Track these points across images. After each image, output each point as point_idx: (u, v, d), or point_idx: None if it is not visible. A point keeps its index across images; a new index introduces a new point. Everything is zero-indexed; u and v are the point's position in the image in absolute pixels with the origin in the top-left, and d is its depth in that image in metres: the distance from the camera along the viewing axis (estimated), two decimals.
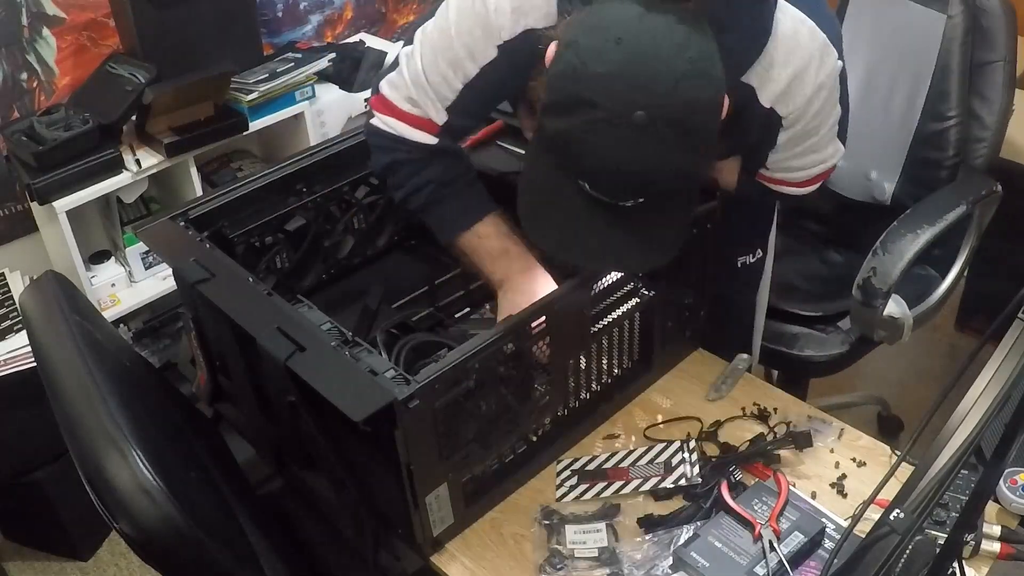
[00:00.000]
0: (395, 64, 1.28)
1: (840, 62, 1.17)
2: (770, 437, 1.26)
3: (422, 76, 1.23)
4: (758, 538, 1.10)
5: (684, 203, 1.10)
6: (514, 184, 1.24)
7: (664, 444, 1.25)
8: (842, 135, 1.27)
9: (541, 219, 1.10)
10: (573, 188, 1.03)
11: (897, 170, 1.89)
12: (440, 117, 1.25)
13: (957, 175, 1.84)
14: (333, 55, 2.42)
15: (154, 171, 2.13)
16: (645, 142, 0.94)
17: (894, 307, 1.61)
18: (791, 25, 1.12)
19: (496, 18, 1.15)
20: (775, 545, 1.08)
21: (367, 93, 2.42)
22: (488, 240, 1.30)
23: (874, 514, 0.83)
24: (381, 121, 1.29)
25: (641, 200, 1.02)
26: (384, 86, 1.29)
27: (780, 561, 1.07)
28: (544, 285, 1.26)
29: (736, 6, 1.08)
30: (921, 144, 1.85)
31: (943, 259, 1.83)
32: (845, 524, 1.13)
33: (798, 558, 1.09)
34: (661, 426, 1.31)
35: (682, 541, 1.12)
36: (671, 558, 1.11)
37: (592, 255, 1.09)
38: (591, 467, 1.25)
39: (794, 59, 1.13)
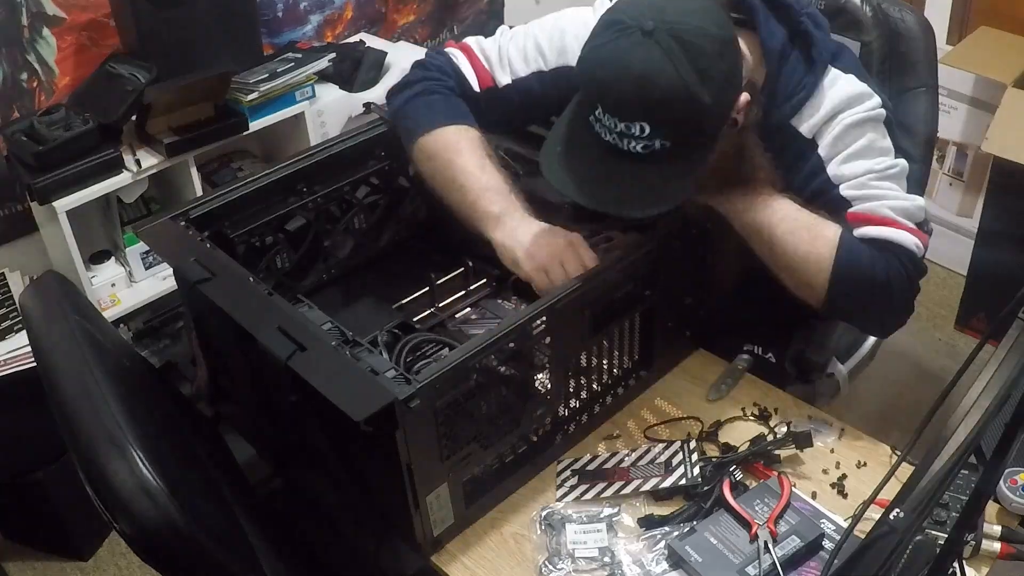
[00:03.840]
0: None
1: (883, 111, 1.27)
2: (770, 437, 1.25)
3: (510, 42, 1.40)
4: (754, 538, 1.10)
5: (688, 158, 1.14)
6: None
7: (664, 444, 1.25)
8: (913, 187, 1.30)
9: (559, 166, 1.19)
10: (591, 136, 1.14)
11: None
12: (503, 79, 1.39)
13: None
14: (333, 55, 2.42)
15: (154, 171, 2.14)
16: (651, 47, 1.07)
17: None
18: (832, 76, 1.27)
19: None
20: (770, 547, 1.08)
21: (367, 93, 2.44)
22: (485, 160, 1.33)
23: (874, 514, 0.83)
24: (446, 52, 1.42)
25: (649, 134, 1.10)
26: (470, 38, 1.44)
27: (773, 563, 1.07)
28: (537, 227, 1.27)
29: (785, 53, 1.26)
30: None
31: None
32: (845, 524, 1.13)
33: (793, 562, 1.09)
34: (661, 426, 1.31)
35: (676, 534, 1.12)
36: (667, 552, 1.11)
37: (601, 201, 1.18)
38: (591, 467, 1.25)
39: (832, 95, 1.26)
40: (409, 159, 1.43)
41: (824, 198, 1.26)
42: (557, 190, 1.20)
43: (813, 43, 1.26)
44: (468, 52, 1.42)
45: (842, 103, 1.25)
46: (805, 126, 1.26)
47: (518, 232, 1.27)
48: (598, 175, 1.16)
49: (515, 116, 1.43)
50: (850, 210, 1.24)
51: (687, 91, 1.07)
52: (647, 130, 1.09)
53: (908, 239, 1.23)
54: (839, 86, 1.27)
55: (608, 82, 1.10)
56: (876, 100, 1.27)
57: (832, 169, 1.25)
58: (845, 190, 1.25)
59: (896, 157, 1.28)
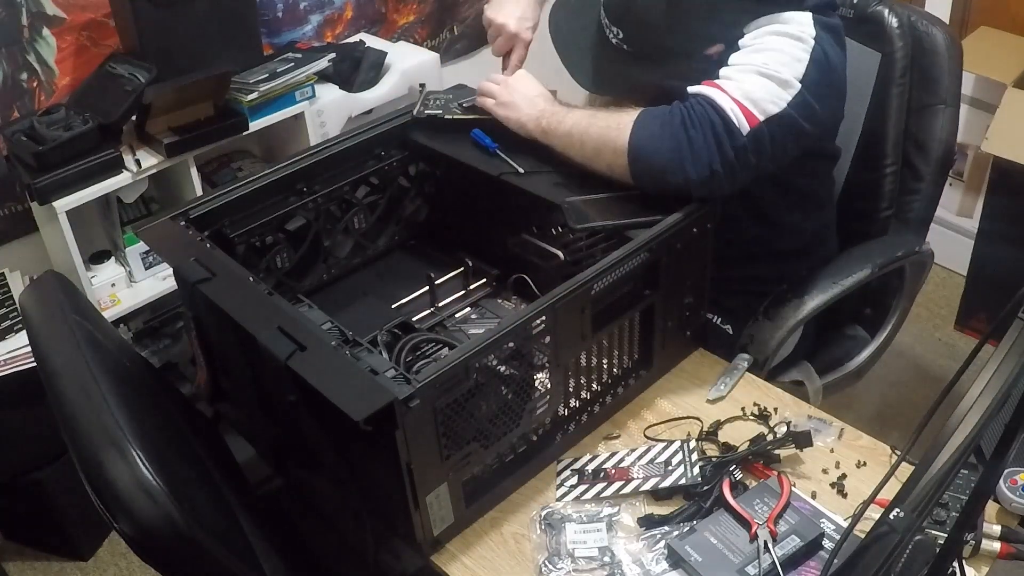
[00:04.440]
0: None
1: (813, 42, 1.32)
2: (770, 437, 1.25)
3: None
4: (754, 538, 1.10)
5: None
6: (509, 185, 1.26)
7: (664, 444, 1.25)
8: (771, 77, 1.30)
9: (576, 62, 1.49)
10: (601, 38, 1.45)
11: None
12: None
13: (888, 229, 1.65)
14: (333, 55, 2.42)
15: (154, 171, 2.13)
16: None
17: (797, 373, 1.51)
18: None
19: None
20: (770, 547, 1.08)
21: (367, 93, 2.44)
22: None
23: (874, 514, 0.83)
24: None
25: (621, 36, 1.41)
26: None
27: (773, 563, 1.07)
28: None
29: None
30: (852, 193, 1.66)
31: (874, 319, 1.67)
32: (845, 524, 1.13)
33: (793, 561, 1.09)
34: (661, 426, 1.31)
35: (676, 534, 1.12)
36: (667, 552, 1.11)
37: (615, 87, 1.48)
38: (591, 467, 1.25)
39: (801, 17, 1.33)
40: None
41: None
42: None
43: None
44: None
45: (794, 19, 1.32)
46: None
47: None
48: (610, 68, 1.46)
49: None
50: (708, 80, 1.32)
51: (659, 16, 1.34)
52: (621, 35, 1.42)
53: (724, 100, 1.27)
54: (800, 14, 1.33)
55: None
56: (814, 41, 1.31)
57: (735, 57, 1.33)
58: (725, 70, 1.32)
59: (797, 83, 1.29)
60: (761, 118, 1.27)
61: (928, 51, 1.57)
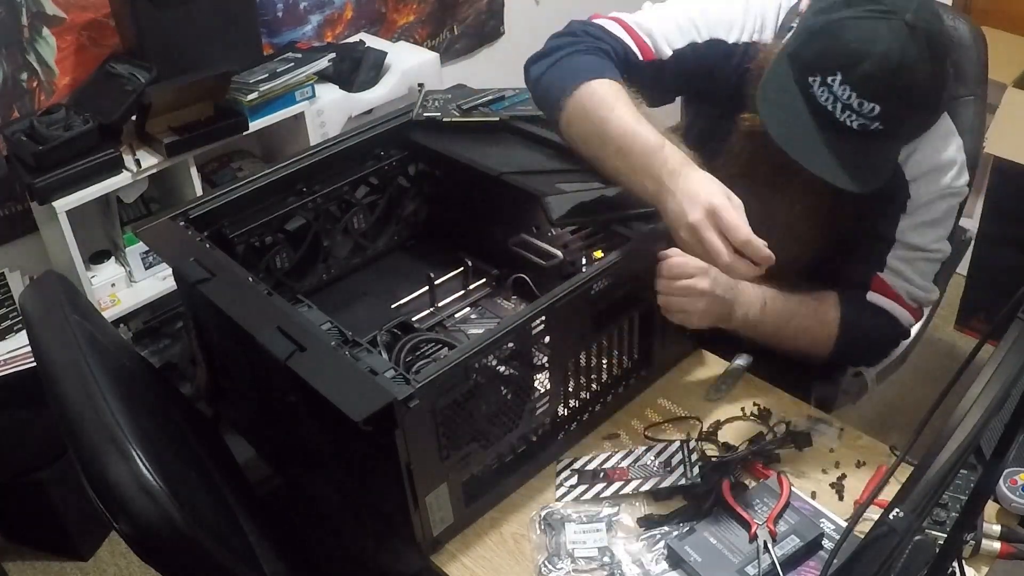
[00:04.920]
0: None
1: (967, 190, 1.37)
2: (770, 437, 1.25)
3: (667, 13, 1.36)
4: (753, 538, 1.10)
5: (885, 145, 1.22)
6: (509, 185, 1.25)
7: (664, 444, 1.25)
8: (940, 275, 1.41)
9: (774, 120, 1.22)
10: (805, 99, 1.18)
11: None
12: (666, 51, 1.34)
13: None
14: (333, 55, 2.42)
15: (154, 171, 2.13)
16: (910, 39, 1.12)
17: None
18: (947, 127, 1.33)
19: (742, 18, 1.34)
20: (769, 547, 1.08)
21: (368, 93, 2.43)
22: (640, 112, 1.25)
23: (874, 514, 0.83)
24: (597, 23, 1.37)
25: (876, 116, 1.15)
26: (616, 12, 1.38)
27: (773, 563, 1.07)
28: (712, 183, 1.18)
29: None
30: None
31: None
32: (845, 524, 1.13)
33: (793, 561, 1.09)
34: (661, 426, 1.31)
35: (675, 534, 1.13)
36: (666, 552, 1.11)
37: (811, 161, 1.19)
38: (591, 467, 1.25)
39: (942, 151, 1.32)
40: (557, 129, 1.36)
41: (873, 237, 1.35)
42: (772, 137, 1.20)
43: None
44: (623, 24, 1.37)
45: (947, 165, 1.31)
46: (908, 164, 1.31)
47: (683, 183, 1.17)
48: (808, 137, 1.18)
49: (672, 88, 1.43)
50: (878, 275, 1.37)
51: (932, 93, 1.18)
52: (876, 111, 1.15)
53: (907, 318, 1.40)
54: (951, 144, 1.32)
55: (861, 56, 1.13)
56: (967, 177, 1.34)
57: (903, 223, 1.34)
58: (892, 257, 1.36)
59: (948, 241, 1.37)
60: (920, 311, 1.43)
61: (956, 45, 1.58)
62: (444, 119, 1.52)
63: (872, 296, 1.39)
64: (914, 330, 1.63)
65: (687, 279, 1.24)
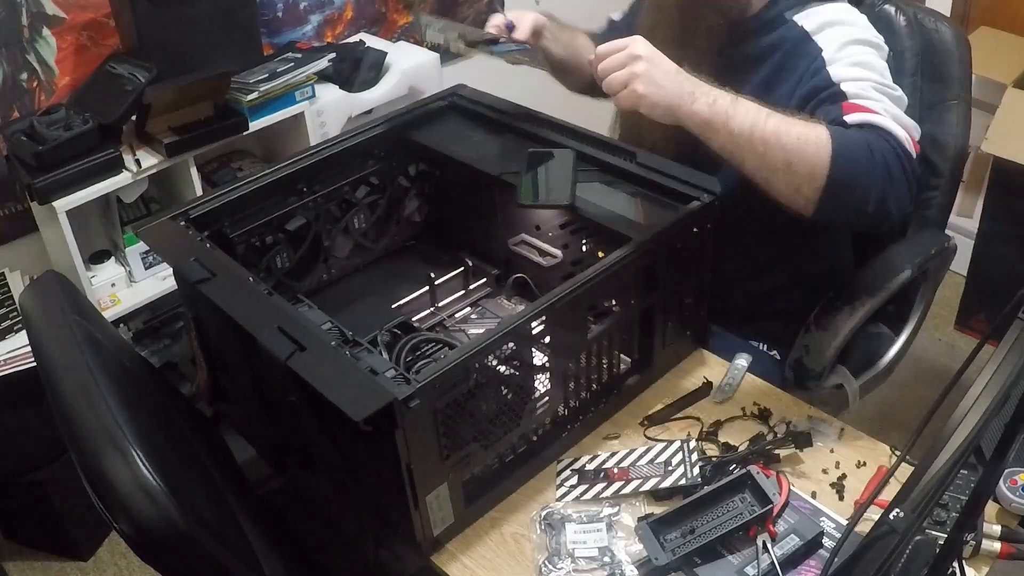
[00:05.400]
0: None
1: (888, 51, 1.34)
2: (770, 437, 1.26)
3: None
4: (753, 538, 1.10)
5: None
6: (509, 185, 1.25)
7: (664, 444, 1.25)
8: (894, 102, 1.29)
9: None
10: None
11: None
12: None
13: (907, 229, 1.66)
14: (333, 55, 2.42)
15: (154, 171, 2.13)
16: None
17: (835, 377, 1.52)
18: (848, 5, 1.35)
19: None
20: (768, 547, 1.08)
21: (368, 93, 2.43)
22: None
23: (874, 514, 0.83)
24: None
25: None
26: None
27: (772, 563, 1.07)
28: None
29: None
30: None
31: (897, 315, 1.68)
32: (845, 523, 1.13)
33: (793, 561, 1.09)
34: (661, 426, 1.31)
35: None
36: None
37: None
38: (591, 467, 1.25)
39: (843, 12, 1.33)
40: None
41: (823, 94, 1.27)
42: None
43: None
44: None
45: (849, 18, 1.31)
46: (809, 22, 1.31)
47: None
48: None
49: None
50: (845, 101, 1.24)
51: None
52: None
53: (900, 132, 1.23)
54: (853, 12, 1.33)
55: None
56: (883, 43, 1.32)
57: (835, 70, 1.28)
58: (846, 86, 1.26)
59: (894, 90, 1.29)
60: (917, 143, 1.26)
61: (937, 48, 1.59)
62: (451, 49, 1.48)
63: (852, 118, 1.24)
64: (905, 333, 1.62)
65: (616, 58, 1.21)
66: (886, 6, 1.59)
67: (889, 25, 1.57)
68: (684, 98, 1.20)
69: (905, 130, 1.26)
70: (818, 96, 1.28)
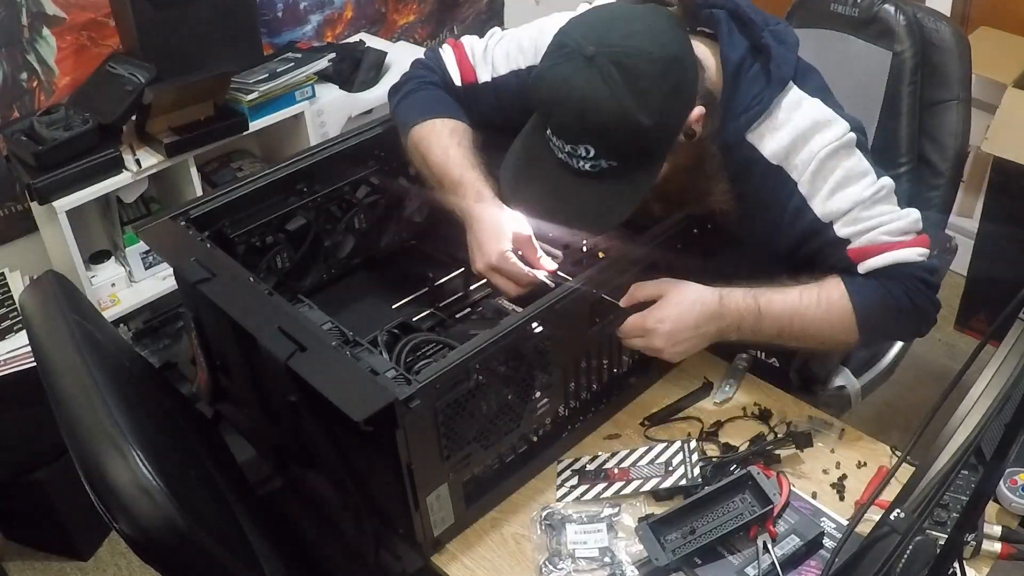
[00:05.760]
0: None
1: (853, 135, 1.23)
2: (770, 437, 1.26)
3: (498, 41, 1.42)
4: (753, 538, 1.10)
5: (633, 177, 1.17)
6: None
7: (664, 444, 1.25)
8: (900, 202, 1.27)
9: (522, 190, 1.24)
10: (547, 151, 1.17)
11: None
12: (484, 75, 1.42)
13: None
14: (333, 55, 2.42)
15: (154, 171, 2.14)
16: (591, 73, 1.09)
17: (838, 379, 1.52)
18: (795, 97, 1.23)
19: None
20: (769, 547, 1.08)
21: (367, 93, 2.43)
22: (449, 150, 1.36)
23: (875, 514, 0.83)
24: (439, 48, 1.47)
25: (594, 156, 1.12)
26: (467, 36, 1.47)
27: (773, 563, 1.07)
28: (508, 219, 1.28)
29: (741, 69, 1.23)
30: None
31: None
32: (846, 524, 1.13)
33: (793, 561, 1.09)
34: (661, 426, 1.31)
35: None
36: None
37: (555, 216, 1.24)
38: (591, 467, 1.25)
39: (797, 120, 1.22)
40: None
41: (820, 239, 1.25)
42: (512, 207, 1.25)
43: (772, 57, 1.22)
44: (457, 48, 1.46)
45: (808, 129, 1.21)
46: (768, 149, 1.23)
47: (475, 228, 1.30)
48: (553, 189, 1.18)
49: (493, 113, 1.43)
50: (849, 247, 1.24)
51: (625, 116, 1.09)
52: (591, 152, 1.12)
53: (911, 253, 1.24)
54: (804, 109, 1.23)
55: (554, 105, 1.13)
56: (843, 125, 1.23)
57: (819, 207, 1.23)
58: (840, 228, 1.23)
59: (878, 177, 1.24)
60: (925, 235, 1.27)
61: (936, 47, 1.58)
62: None
63: (864, 265, 1.25)
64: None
65: (637, 338, 1.24)
66: (886, 5, 1.58)
67: (887, 25, 1.57)
68: (712, 337, 1.26)
69: (912, 236, 1.25)
70: (816, 242, 1.26)
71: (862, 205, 1.23)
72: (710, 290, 1.25)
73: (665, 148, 1.17)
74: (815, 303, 1.25)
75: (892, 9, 1.58)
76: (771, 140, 1.22)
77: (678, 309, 1.22)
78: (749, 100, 1.22)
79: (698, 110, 1.16)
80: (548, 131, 1.15)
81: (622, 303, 1.23)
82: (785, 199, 1.24)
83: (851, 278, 1.25)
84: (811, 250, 1.27)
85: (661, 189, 1.22)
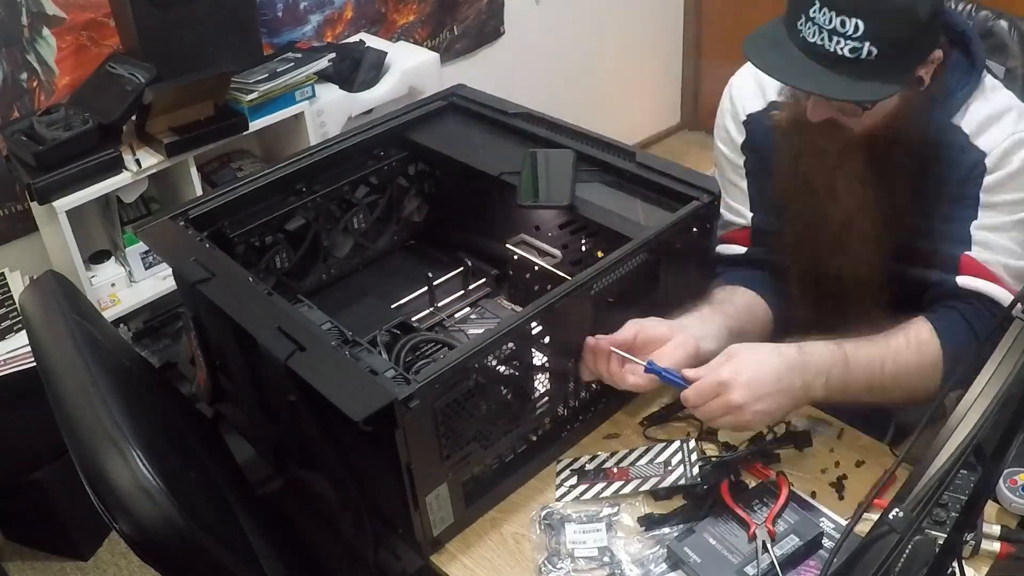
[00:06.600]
0: None
1: None
2: (770, 437, 1.25)
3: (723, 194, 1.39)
4: (752, 538, 1.10)
5: (888, 75, 1.13)
6: (509, 185, 1.24)
7: (664, 444, 1.25)
8: None
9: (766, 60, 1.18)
10: (797, 41, 1.15)
11: None
12: (747, 218, 1.42)
13: None
14: (333, 55, 2.42)
15: (154, 171, 2.14)
16: None
17: None
18: (992, 82, 1.27)
19: (731, 106, 1.41)
20: (768, 547, 1.09)
21: (367, 93, 2.43)
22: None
23: (874, 514, 0.83)
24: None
25: (860, 36, 1.09)
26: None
27: (772, 563, 1.07)
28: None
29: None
30: None
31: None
32: (845, 523, 1.13)
33: (792, 561, 1.09)
34: (661, 426, 1.31)
35: (675, 535, 1.13)
36: (666, 553, 1.11)
37: (799, 79, 1.17)
38: (591, 467, 1.25)
39: (996, 102, 1.24)
40: None
41: (960, 208, 1.23)
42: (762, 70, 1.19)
43: (972, 42, 1.24)
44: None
45: (1003, 110, 1.23)
46: (969, 124, 1.24)
47: None
48: (800, 71, 1.15)
49: (777, 219, 1.41)
50: (966, 254, 1.23)
51: (915, 5, 1.09)
52: (860, 28, 1.09)
53: (1005, 296, 1.23)
54: (1002, 93, 1.26)
55: None
56: None
57: (988, 183, 1.22)
58: (977, 231, 1.23)
59: None
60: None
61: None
62: None
63: (964, 280, 1.23)
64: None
65: (714, 403, 1.13)
66: (998, 20, 1.59)
67: (1002, 41, 1.58)
68: (799, 399, 1.16)
69: (1015, 284, 1.24)
70: (956, 207, 1.25)
71: (1010, 223, 1.23)
72: (785, 344, 1.16)
73: (920, 56, 1.16)
74: (904, 346, 1.20)
75: (1006, 24, 1.58)
76: (967, 117, 1.23)
77: (755, 356, 1.13)
78: (955, 83, 1.24)
79: (937, 52, 1.17)
80: (813, 8, 1.11)
81: (688, 375, 1.15)
82: (965, 162, 1.23)
83: (936, 317, 1.24)
84: (934, 230, 1.25)
85: (867, 136, 1.22)
